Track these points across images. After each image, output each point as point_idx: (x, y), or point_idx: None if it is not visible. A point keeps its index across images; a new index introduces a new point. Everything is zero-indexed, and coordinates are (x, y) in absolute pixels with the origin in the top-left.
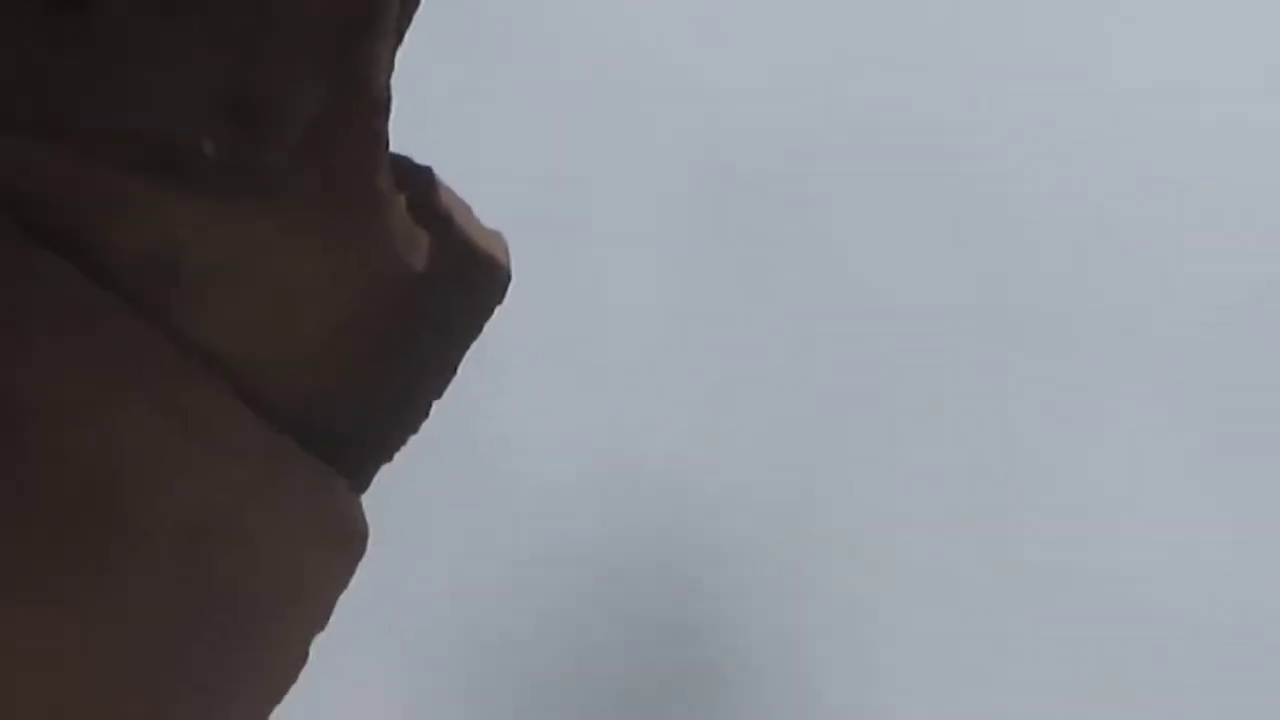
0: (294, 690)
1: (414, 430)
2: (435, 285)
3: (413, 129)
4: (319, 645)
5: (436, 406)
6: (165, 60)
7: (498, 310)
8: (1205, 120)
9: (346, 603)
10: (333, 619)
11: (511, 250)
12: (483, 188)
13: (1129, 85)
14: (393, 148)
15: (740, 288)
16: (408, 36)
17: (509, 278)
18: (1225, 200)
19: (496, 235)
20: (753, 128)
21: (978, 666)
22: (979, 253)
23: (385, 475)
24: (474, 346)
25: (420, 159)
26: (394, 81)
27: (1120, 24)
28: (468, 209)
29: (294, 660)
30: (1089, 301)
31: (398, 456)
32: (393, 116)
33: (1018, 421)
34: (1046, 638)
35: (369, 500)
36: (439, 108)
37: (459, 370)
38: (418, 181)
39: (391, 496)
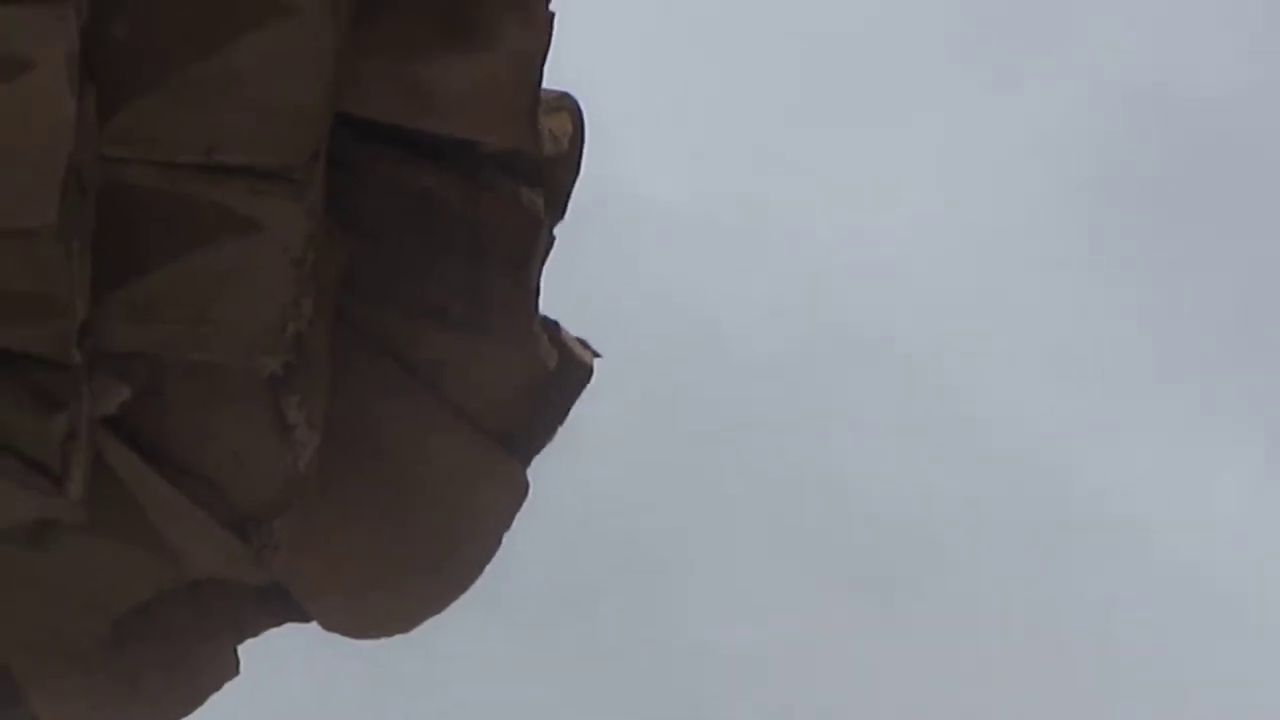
0: None
1: (550, 440)
2: (558, 376)
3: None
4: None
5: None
6: (435, 271)
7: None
8: None
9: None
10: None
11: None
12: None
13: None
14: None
15: None
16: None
17: (592, 372)
18: None
19: (587, 350)
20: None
21: None
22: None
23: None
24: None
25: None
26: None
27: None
28: (573, 337)
29: (495, 542)
30: None
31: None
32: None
33: None
34: None
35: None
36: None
37: (570, 412)
38: (550, 326)
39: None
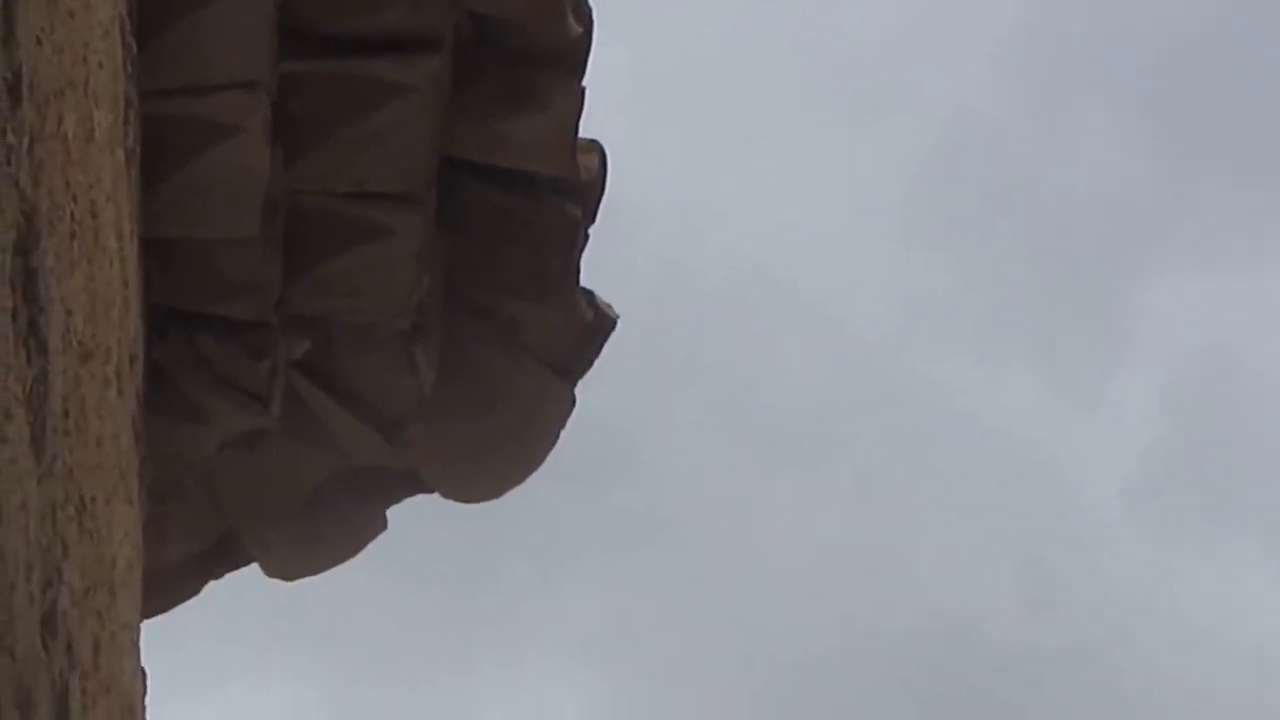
0: None
1: (589, 369)
2: (593, 326)
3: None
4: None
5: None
6: (510, 259)
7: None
8: None
9: None
10: None
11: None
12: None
13: None
14: None
15: None
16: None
17: (615, 323)
18: None
19: (610, 309)
20: None
21: None
22: None
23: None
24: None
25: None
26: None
27: None
28: (602, 301)
29: (555, 438)
30: None
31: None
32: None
33: None
34: None
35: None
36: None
37: (602, 350)
38: (586, 293)
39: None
